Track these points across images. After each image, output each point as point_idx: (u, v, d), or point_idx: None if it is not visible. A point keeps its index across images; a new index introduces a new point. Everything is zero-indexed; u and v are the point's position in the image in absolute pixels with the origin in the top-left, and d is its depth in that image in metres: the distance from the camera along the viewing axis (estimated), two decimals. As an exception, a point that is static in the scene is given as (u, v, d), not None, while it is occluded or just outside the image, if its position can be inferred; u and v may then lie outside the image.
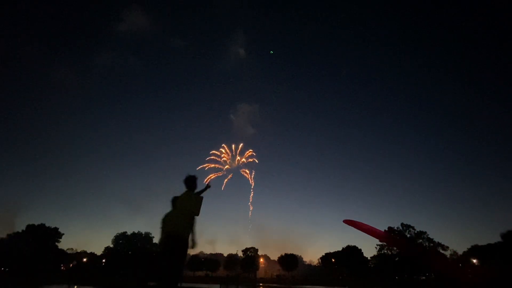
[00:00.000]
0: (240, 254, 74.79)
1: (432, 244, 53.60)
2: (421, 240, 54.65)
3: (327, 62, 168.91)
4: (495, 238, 57.10)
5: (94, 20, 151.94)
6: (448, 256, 52.99)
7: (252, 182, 68.37)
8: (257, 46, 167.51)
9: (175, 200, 4.21)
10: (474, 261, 48.64)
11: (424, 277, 55.27)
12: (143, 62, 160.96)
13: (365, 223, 5.35)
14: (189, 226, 3.85)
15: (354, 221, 5.17)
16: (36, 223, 63.13)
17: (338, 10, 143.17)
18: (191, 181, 4.14)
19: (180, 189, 4.17)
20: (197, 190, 4.24)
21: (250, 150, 68.64)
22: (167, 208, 4.28)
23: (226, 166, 64.83)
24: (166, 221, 4.05)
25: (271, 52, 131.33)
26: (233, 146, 66.98)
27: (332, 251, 69.85)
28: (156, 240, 74.23)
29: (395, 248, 56.06)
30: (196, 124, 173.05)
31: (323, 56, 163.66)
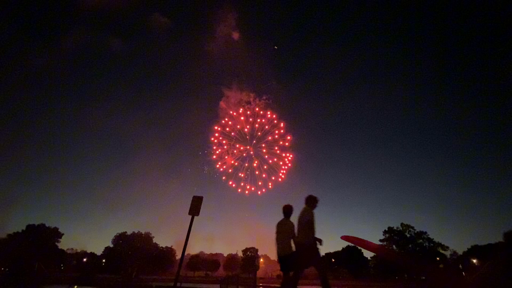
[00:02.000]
0: (240, 254, 74.87)
1: (432, 244, 53.58)
2: (421, 240, 54.64)
3: (328, 56, 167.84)
4: (495, 238, 57.10)
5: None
6: (448, 256, 53.02)
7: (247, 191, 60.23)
8: (252, 26, 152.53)
9: (288, 211, 5.41)
10: (474, 261, 48.65)
11: (424, 277, 55.26)
12: (120, 40, 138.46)
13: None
14: (309, 234, 4.98)
15: (352, 237, 5.47)
16: (36, 223, 63.28)
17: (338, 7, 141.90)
18: (311, 200, 5.36)
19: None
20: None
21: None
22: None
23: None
24: (285, 232, 5.22)
25: (275, 47, 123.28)
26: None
27: (332, 251, 69.93)
28: (158, 240, 74.13)
29: (395, 247, 56.13)
30: (183, 109, 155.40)
31: (324, 47, 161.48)
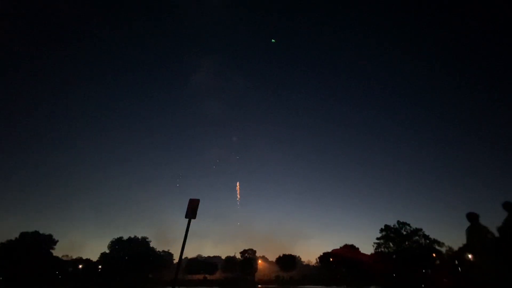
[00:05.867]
0: (238, 256, 74.47)
1: (428, 241, 54.07)
2: (417, 237, 55.12)
3: (327, 49, 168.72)
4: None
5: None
6: (444, 252, 53.51)
7: (238, 196, 63.21)
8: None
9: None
10: (470, 256, 49.18)
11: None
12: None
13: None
14: None
15: (341, 250, 5.37)
16: (30, 230, 62.18)
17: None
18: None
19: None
20: None
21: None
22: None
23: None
24: None
25: (273, 40, 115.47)
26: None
27: (329, 250, 70.02)
28: (154, 244, 73.33)
29: (391, 245, 56.57)
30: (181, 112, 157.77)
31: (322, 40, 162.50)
